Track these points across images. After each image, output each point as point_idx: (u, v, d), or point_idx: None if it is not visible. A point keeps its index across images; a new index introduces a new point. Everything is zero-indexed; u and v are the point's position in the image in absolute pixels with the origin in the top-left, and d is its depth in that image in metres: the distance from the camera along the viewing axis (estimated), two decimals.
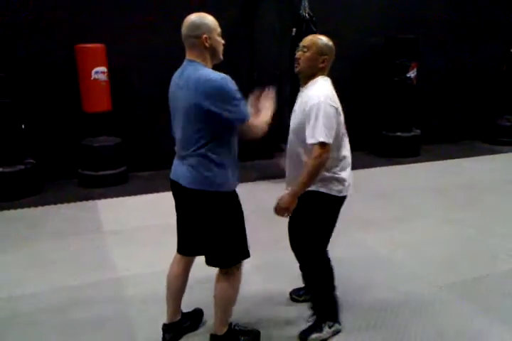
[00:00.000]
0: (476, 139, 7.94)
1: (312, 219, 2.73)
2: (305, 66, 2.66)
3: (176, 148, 2.60)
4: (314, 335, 2.84)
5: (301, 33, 5.43)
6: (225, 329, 2.68)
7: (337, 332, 2.91)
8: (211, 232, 2.51)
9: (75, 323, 3.05)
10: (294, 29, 5.48)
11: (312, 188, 2.63)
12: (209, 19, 2.44)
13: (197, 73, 2.34)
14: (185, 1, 5.85)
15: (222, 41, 2.48)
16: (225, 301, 2.62)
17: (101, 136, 5.69)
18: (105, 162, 5.67)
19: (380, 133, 7.08)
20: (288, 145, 2.78)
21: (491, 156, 7.07)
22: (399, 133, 7.01)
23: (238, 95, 2.32)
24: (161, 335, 2.82)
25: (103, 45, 5.48)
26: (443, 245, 4.13)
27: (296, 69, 2.71)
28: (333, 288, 2.88)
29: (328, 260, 2.86)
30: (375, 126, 7.13)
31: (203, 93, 2.28)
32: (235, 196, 2.53)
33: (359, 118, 7.08)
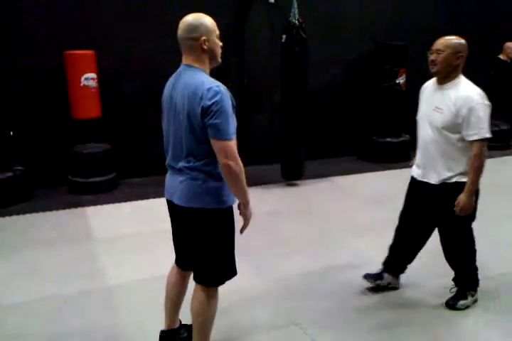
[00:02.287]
0: None
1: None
2: (442, 66, 2.95)
3: (169, 160, 2.48)
4: (462, 302, 3.23)
5: (291, 40, 5.46)
6: None
7: (476, 301, 3.27)
8: (205, 249, 2.45)
9: (65, 332, 3.02)
10: (284, 35, 5.51)
11: (458, 179, 2.99)
12: (207, 20, 2.35)
13: (195, 81, 2.26)
14: (175, 9, 5.87)
15: (221, 43, 2.39)
16: (204, 319, 2.51)
17: (90, 142, 5.66)
18: (95, 169, 5.64)
19: (370, 139, 7.11)
20: (425, 139, 3.09)
21: None
22: (389, 139, 7.04)
23: (230, 111, 2.24)
24: None
25: (93, 51, 5.47)
26: (435, 249, 4.13)
27: (433, 70, 3.02)
28: (475, 259, 3.24)
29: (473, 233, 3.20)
30: (365, 132, 7.16)
31: (199, 102, 2.20)
32: (231, 212, 2.44)
33: (349, 123, 7.11)
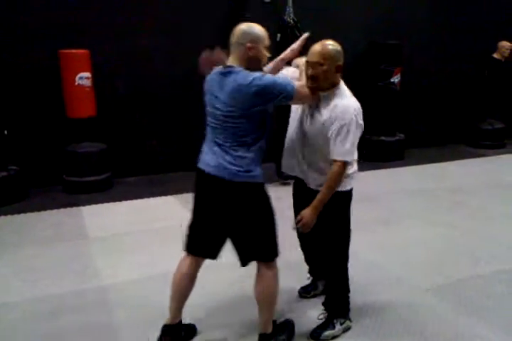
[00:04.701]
0: (460, 143, 8.02)
1: (339, 219, 2.81)
2: (324, 80, 2.58)
3: (210, 137, 2.59)
4: (327, 332, 2.89)
5: (286, 39, 5.46)
6: (271, 327, 2.75)
7: (348, 329, 2.96)
8: (254, 225, 2.58)
9: (59, 331, 3.01)
10: (279, 35, 5.51)
11: (339, 189, 2.68)
12: (258, 29, 2.50)
13: (240, 75, 2.40)
14: (169, 7, 5.87)
15: (268, 55, 2.55)
16: (271, 298, 2.67)
17: (85, 141, 5.65)
18: (90, 168, 5.62)
19: (364, 138, 7.10)
20: (302, 145, 2.80)
21: (475, 160, 7.15)
22: (383, 138, 7.06)
23: (277, 81, 2.41)
24: (158, 336, 2.80)
25: (87, 50, 5.46)
26: (428, 248, 4.16)
27: (314, 86, 2.57)
28: (347, 283, 2.95)
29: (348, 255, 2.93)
30: None
31: (250, 93, 2.35)
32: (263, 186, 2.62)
33: None
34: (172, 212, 4.90)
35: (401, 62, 6.83)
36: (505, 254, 4.07)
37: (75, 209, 5.13)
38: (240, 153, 2.48)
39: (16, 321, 3.13)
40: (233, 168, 2.47)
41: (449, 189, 5.73)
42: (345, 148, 2.56)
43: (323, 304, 3.00)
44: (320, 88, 2.59)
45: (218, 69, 2.53)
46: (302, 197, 2.87)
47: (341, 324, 2.93)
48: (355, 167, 2.84)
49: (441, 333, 2.99)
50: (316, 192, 2.65)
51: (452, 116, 8.04)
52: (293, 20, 5.48)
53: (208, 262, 2.80)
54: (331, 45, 2.61)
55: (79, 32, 5.57)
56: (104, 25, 5.68)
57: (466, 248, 4.19)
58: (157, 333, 2.81)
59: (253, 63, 2.48)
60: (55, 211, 5.07)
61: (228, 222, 2.62)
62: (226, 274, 3.51)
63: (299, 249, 3.22)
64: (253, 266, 2.69)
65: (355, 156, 2.75)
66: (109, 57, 5.77)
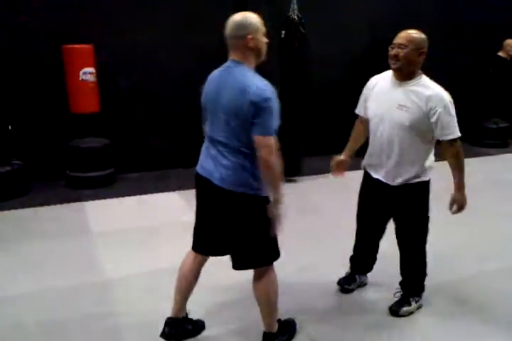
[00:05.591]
0: (464, 141, 7.94)
1: (422, 204, 3.05)
2: (405, 62, 2.78)
3: (208, 143, 2.57)
4: (405, 308, 3.13)
5: (290, 35, 5.45)
6: (276, 326, 2.77)
7: (420, 307, 3.18)
8: (247, 233, 2.54)
9: (62, 325, 3.03)
10: (283, 31, 5.49)
11: (422, 179, 2.96)
12: (254, 19, 2.43)
13: (245, 77, 2.36)
14: (174, 2, 5.86)
15: (267, 40, 2.47)
16: (271, 297, 2.67)
17: (89, 137, 5.66)
18: (93, 163, 5.63)
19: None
20: (383, 137, 2.94)
21: (478, 158, 7.12)
22: None
23: (276, 110, 2.37)
24: (162, 328, 2.81)
25: (91, 45, 5.45)
26: (430, 245, 4.13)
27: (395, 66, 2.83)
28: (426, 264, 3.17)
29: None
30: None
31: (248, 98, 2.29)
32: (268, 199, 2.53)
33: (348, 119, 7.08)
34: (175, 208, 4.92)
35: None
36: (508, 252, 4.07)
37: (78, 204, 5.14)
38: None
39: (18, 315, 3.14)
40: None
41: (451, 187, 5.69)
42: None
43: (400, 283, 3.22)
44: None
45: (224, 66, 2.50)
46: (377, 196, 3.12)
47: (416, 302, 3.16)
48: (432, 158, 3.04)
49: (444, 329, 2.99)
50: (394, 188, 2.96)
51: (456, 114, 8.00)
52: (297, 16, 5.46)
53: (216, 258, 2.80)
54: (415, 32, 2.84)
55: (83, 27, 5.56)
56: (108, 21, 5.68)
57: (469, 245, 4.19)
58: (160, 327, 2.82)
59: (255, 54, 2.44)
60: (58, 206, 5.08)
61: (224, 226, 2.60)
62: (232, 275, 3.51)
63: None
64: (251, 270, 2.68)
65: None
66: (113, 52, 5.76)
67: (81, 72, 5.38)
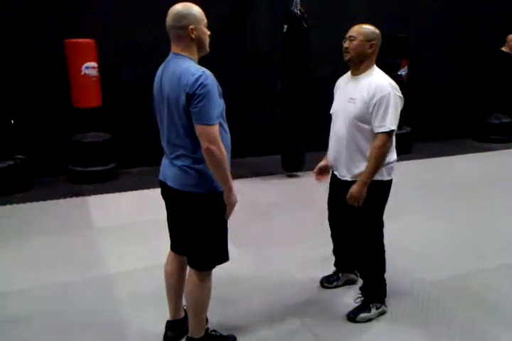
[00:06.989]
0: (467, 137, 7.97)
1: (374, 205, 2.89)
2: (354, 54, 2.80)
3: (164, 147, 2.55)
4: (363, 315, 3.02)
5: (293, 30, 5.43)
6: (201, 333, 2.63)
7: (383, 314, 3.07)
8: (197, 233, 2.47)
9: (65, 320, 3.03)
10: (286, 26, 5.47)
11: (378, 178, 2.81)
12: (195, 9, 2.36)
13: (180, 68, 2.28)
14: None
15: (208, 32, 2.40)
16: (197, 301, 2.56)
17: (91, 131, 5.66)
18: (95, 158, 5.64)
19: None
20: (338, 132, 2.90)
21: (482, 154, 7.11)
22: None
23: (216, 96, 2.24)
24: (163, 332, 2.81)
25: (93, 40, 5.44)
26: (432, 241, 4.15)
27: (346, 58, 2.84)
28: (384, 270, 3.06)
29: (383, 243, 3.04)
30: None
31: (184, 88, 2.21)
32: (221, 196, 2.41)
33: None
34: None
35: (408, 55, 6.77)
36: (510, 249, 4.06)
37: (80, 199, 5.15)
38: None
39: (21, 309, 3.15)
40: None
41: (455, 183, 5.70)
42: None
43: (360, 289, 3.13)
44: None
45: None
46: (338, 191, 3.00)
47: (377, 308, 3.05)
48: (394, 156, 2.96)
49: (445, 327, 2.99)
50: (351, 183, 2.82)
51: (459, 109, 7.99)
52: (300, 11, 5.43)
53: None
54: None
55: (85, 21, 5.55)
56: (110, 15, 5.67)
57: (471, 242, 4.17)
58: (163, 323, 2.82)
59: (197, 45, 2.37)
60: (60, 201, 5.09)
61: (179, 225, 2.59)
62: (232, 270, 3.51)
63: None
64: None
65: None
66: (115, 46, 5.76)
67: (83, 67, 5.37)
